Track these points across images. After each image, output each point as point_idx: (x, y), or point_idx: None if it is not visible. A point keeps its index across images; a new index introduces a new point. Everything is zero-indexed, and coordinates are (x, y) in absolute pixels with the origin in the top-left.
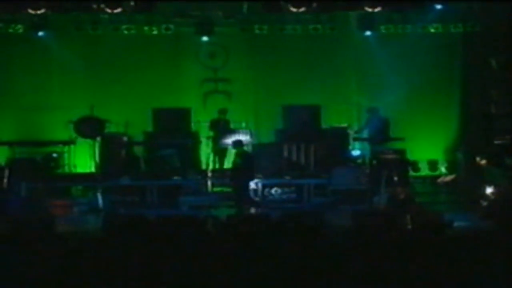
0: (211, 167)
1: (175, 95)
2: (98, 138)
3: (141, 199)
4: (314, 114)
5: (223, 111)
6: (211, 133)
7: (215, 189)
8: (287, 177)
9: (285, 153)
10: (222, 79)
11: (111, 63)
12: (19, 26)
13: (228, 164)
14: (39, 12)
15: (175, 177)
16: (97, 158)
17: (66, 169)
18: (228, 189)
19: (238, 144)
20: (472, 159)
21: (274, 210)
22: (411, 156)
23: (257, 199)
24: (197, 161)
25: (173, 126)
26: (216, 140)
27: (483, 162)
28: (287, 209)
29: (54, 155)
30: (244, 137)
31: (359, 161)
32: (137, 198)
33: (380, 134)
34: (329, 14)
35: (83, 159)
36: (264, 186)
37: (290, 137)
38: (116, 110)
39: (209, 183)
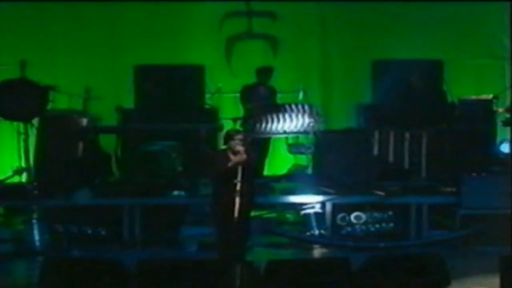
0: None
1: (176, 41)
2: (35, 121)
3: (112, 231)
4: (429, 76)
5: (264, 72)
6: (241, 111)
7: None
8: (379, 193)
9: (376, 149)
10: (260, 13)
11: None
12: None
13: (273, 168)
14: None
15: (175, 192)
16: (31, 157)
17: None
18: (272, 214)
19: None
20: None
21: (356, 252)
22: None
23: (322, 232)
24: None
25: (171, 98)
26: (252, 124)
27: None
28: (379, 251)
29: None
30: (301, 119)
31: None
32: (105, 229)
33: None
34: None
35: (6, 159)
36: (336, 209)
37: (386, 118)
38: (68, 69)
39: (236, 201)
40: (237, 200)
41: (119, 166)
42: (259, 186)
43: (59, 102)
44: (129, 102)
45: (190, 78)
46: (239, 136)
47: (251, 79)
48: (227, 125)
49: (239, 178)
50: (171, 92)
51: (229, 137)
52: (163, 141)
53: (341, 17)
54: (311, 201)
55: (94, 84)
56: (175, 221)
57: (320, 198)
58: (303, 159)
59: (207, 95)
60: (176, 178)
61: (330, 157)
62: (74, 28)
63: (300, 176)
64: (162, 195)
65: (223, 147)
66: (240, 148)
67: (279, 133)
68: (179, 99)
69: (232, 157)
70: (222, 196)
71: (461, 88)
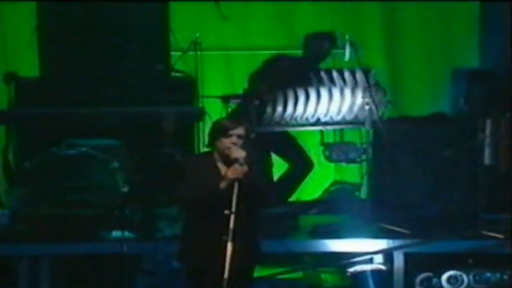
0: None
1: None
2: None
3: None
4: None
5: (318, 41)
6: (238, 86)
7: None
8: (494, 234)
9: (488, 152)
10: None
11: None
12: None
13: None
14: None
15: (115, 233)
16: None
17: None
18: (294, 273)
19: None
20: None
21: None
22: None
23: None
24: None
25: (109, 59)
26: (259, 108)
27: None
28: None
29: None
30: (348, 97)
31: None
32: None
33: None
34: None
35: None
36: (414, 264)
37: (505, 97)
38: None
39: (228, 249)
40: (229, 247)
41: (10, 184)
42: (271, 221)
43: None
44: (29, 66)
45: (143, 22)
46: (237, 131)
47: (255, 25)
48: (213, 110)
49: (233, 207)
50: (109, 47)
51: (218, 131)
52: (93, 139)
53: None
54: (366, 250)
55: None
56: (117, 284)
57: (383, 243)
58: (352, 172)
59: (175, 53)
60: (118, 206)
61: (401, 167)
62: None
63: (347, 203)
64: (92, 238)
65: (207, 149)
66: (238, 153)
67: (308, 123)
68: (123, 61)
69: (223, 168)
70: (201, 241)
71: None
